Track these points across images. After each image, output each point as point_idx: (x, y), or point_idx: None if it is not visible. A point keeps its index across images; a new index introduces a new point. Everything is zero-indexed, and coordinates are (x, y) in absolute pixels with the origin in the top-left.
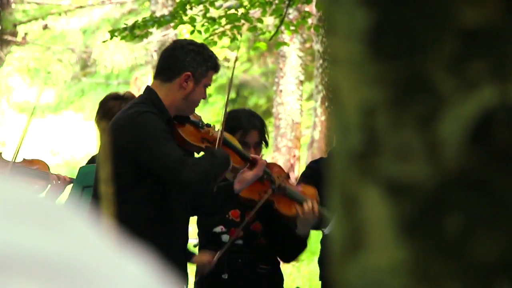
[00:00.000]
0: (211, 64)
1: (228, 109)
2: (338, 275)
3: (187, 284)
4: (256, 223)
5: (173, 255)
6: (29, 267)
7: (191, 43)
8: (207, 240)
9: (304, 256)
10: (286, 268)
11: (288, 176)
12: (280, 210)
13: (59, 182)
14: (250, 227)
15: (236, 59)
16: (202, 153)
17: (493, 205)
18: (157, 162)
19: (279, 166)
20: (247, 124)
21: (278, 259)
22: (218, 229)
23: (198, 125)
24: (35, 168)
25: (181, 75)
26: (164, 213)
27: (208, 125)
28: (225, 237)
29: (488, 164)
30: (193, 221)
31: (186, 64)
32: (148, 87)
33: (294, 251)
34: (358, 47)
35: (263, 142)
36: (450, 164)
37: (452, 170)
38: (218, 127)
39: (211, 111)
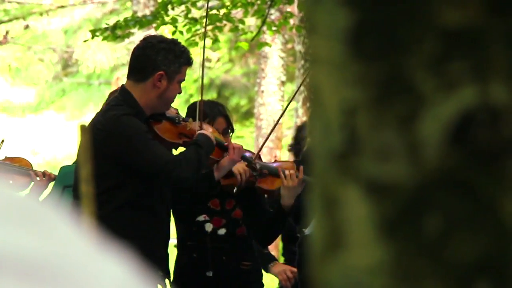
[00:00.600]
0: (184, 59)
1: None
2: (318, 274)
3: (169, 281)
4: (237, 210)
5: (156, 254)
6: (7, 266)
7: (162, 40)
8: (190, 229)
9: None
10: None
11: (259, 157)
12: (262, 187)
13: (43, 178)
14: (231, 215)
15: (204, 47)
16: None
17: (473, 205)
18: (146, 165)
19: (248, 150)
20: (212, 112)
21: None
22: (201, 217)
23: (175, 120)
24: (17, 165)
25: (154, 75)
26: (147, 214)
27: (185, 119)
28: (208, 226)
29: (468, 164)
30: (172, 221)
31: (158, 63)
32: (122, 87)
33: (270, 232)
34: (339, 47)
35: (230, 128)
36: (430, 164)
37: (432, 170)
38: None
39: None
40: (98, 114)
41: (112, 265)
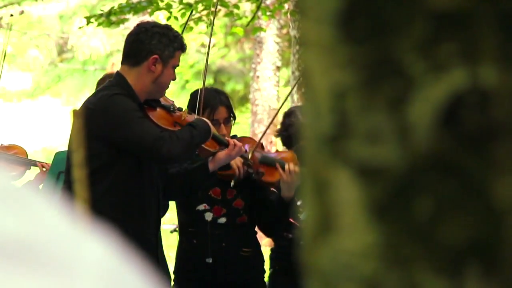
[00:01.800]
0: (177, 44)
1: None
2: (308, 258)
3: (168, 273)
4: (238, 199)
5: (145, 238)
6: None
7: (155, 25)
8: (190, 218)
9: None
10: (267, 252)
11: (262, 146)
12: (264, 180)
13: (44, 169)
14: (232, 204)
15: (209, 47)
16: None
17: (463, 188)
18: (136, 142)
19: (251, 138)
20: (214, 101)
21: (261, 234)
22: (202, 207)
23: (169, 109)
24: (12, 153)
25: (148, 59)
26: (135, 197)
27: (179, 109)
28: (208, 215)
29: (458, 147)
30: (171, 207)
31: (152, 47)
32: (117, 72)
33: (272, 221)
34: (329, 30)
35: (231, 117)
36: (420, 147)
37: (422, 153)
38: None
39: (188, 97)
40: (91, 95)
41: (94, 247)
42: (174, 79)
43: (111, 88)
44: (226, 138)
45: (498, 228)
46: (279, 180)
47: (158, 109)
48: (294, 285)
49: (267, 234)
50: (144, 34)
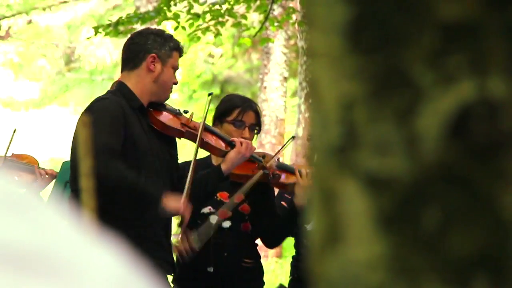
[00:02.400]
0: (173, 44)
1: (211, 106)
2: (317, 268)
3: (173, 269)
4: (245, 204)
5: (155, 240)
6: None
7: (149, 29)
8: (194, 220)
9: (288, 253)
10: (269, 265)
11: (278, 159)
12: (250, 174)
13: (46, 176)
14: (238, 208)
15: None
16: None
17: (471, 199)
18: (93, 141)
19: (267, 153)
20: (244, 104)
21: (263, 244)
22: (207, 209)
23: (176, 111)
24: (24, 162)
25: (146, 59)
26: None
27: (186, 111)
28: (213, 218)
29: (466, 159)
30: None
31: (149, 46)
32: (118, 80)
33: (280, 232)
34: (337, 40)
35: (257, 128)
36: (428, 158)
37: (430, 164)
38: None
39: (196, 107)
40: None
41: (107, 256)
42: (175, 82)
43: (105, 95)
44: (233, 138)
45: (506, 240)
46: (293, 183)
47: (164, 112)
48: None
49: (270, 244)
50: (138, 37)
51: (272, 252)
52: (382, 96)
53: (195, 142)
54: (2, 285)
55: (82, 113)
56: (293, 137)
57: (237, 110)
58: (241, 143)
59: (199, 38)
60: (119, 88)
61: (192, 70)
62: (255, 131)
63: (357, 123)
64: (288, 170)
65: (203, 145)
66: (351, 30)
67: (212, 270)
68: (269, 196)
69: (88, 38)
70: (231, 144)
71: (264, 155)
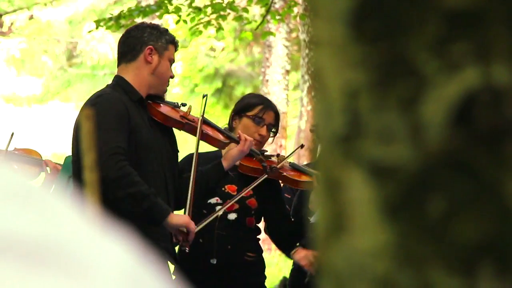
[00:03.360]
0: (169, 37)
1: (213, 100)
2: (322, 258)
3: (175, 260)
4: (253, 199)
5: (157, 231)
6: (7, 248)
7: (143, 23)
8: (199, 211)
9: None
10: (273, 258)
11: (282, 160)
12: (249, 165)
13: (54, 169)
14: (245, 201)
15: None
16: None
17: (476, 187)
18: (98, 144)
19: (275, 154)
20: (267, 103)
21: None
22: (214, 200)
23: (174, 104)
24: (27, 155)
25: (144, 50)
26: None
27: (184, 104)
28: (232, 215)
29: (471, 146)
30: None
31: (145, 39)
32: (115, 75)
33: (293, 239)
34: (341, 29)
35: (274, 129)
36: (433, 146)
37: (435, 152)
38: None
39: (197, 101)
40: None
41: (116, 248)
42: (172, 76)
43: (105, 89)
44: (238, 134)
45: (511, 226)
46: (303, 182)
47: (163, 104)
48: (314, 284)
49: (283, 247)
50: (134, 31)
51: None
52: (386, 85)
53: (194, 135)
54: (8, 276)
55: (83, 107)
56: (301, 146)
57: (259, 107)
58: (245, 140)
59: (200, 32)
60: (118, 82)
61: (194, 64)
62: (272, 132)
63: (362, 111)
64: (305, 172)
65: (203, 136)
66: (355, 18)
67: (215, 262)
68: (277, 192)
69: (89, 32)
70: (233, 140)
71: (278, 154)
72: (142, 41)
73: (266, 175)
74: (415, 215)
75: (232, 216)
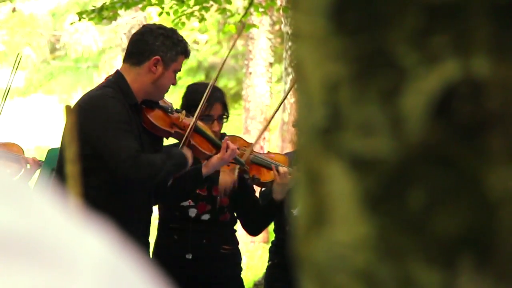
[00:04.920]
0: (181, 49)
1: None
2: (302, 250)
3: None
4: (225, 198)
5: (134, 239)
6: None
7: (161, 27)
8: (173, 214)
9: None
10: (256, 250)
11: (252, 146)
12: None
13: (31, 164)
14: (217, 201)
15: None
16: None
17: (456, 179)
18: (109, 152)
19: (242, 139)
20: (210, 97)
21: (245, 231)
22: (186, 202)
23: (168, 110)
24: (8, 151)
25: (150, 59)
26: (122, 199)
27: (178, 111)
28: (192, 211)
29: (451, 139)
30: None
31: (156, 48)
32: (117, 70)
33: (261, 223)
34: (321, 21)
35: (225, 115)
36: (413, 138)
37: (415, 144)
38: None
39: (180, 94)
40: (86, 93)
41: (97, 242)
42: (174, 84)
43: (106, 89)
44: (220, 142)
45: (491, 219)
46: (269, 181)
47: (156, 110)
48: (291, 279)
49: (252, 234)
50: (148, 34)
51: (259, 237)
52: (366, 77)
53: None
54: None
55: (78, 104)
56: (268, 123)
57: (204, 105)
58: (227, 148)
59: (183, 24)
60: (117, 81)
61: None
62: (223, 119)
63: (342, 104)
64: (265, 166)
65: (189, 147)
66: (334, 11)
67: (190, 257)
68: (247, 187)
69: (71, 24)
70: (216, 145)
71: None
72: (151, 49)
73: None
74: (395, 208)
75: (205, 217)
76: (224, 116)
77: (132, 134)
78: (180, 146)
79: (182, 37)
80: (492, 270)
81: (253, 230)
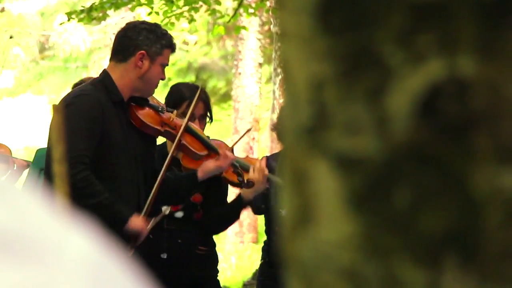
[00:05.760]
0: (166, 42)
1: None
2: (288, 249)
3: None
4: (197, 195)
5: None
6: None
7: (144, 22)
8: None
9: (263, 238)
10: (245, 250)
11: (232, 150)
12: (226, 177)
13: (21, 166)
14: (190, 199)
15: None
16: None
17: (442, 179)
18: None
19: (221, 141)
20: (192, 95)
21: (245, 230)
22: (165, 206)
23: (158, 109)
24: None
25: (135, 54)
26: (111, 184)
27: (169, 110)
28: (166, 208)
29: (436, 138)
30: None
31: (139, 42)
32: (104, 69)
33: (224, 222)
34: (307, 21)
35: (208, 116)
36: (399, 137)
37: (401, 143)
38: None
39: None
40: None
41: (82, 240)
42: (163, 78)
43: (86, 86)
44: (220, 150)
45: (476, 218)
46: (241, 181)
47: (145, 108)
48: (281, 277)
49: (211, 231)
50: (131, 30)
51: (248, 237)
52: (352, 76)
53: (172, 142)
54: None
55: (60, 102)
56: (249, 130)
57: (185, 103)
58: (226, 157)
59: (173, 24)
60: (103, 80)
61: None
62: (206, 119)
63: (328, 103)
64: (244, 167)
65: (180, 147)
66: (320, 10)
67: (165, 257)
68: (220, 186)
69: (61, 24)
70: (214, 151)
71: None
72: (135, 44)
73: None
74: (381, 207)
75: (179, 214)
76: (208, 116)
77: (90, 139)
78: (173, 146)
79: (166, 30)
80: (477, 269)
81: (213, 227)
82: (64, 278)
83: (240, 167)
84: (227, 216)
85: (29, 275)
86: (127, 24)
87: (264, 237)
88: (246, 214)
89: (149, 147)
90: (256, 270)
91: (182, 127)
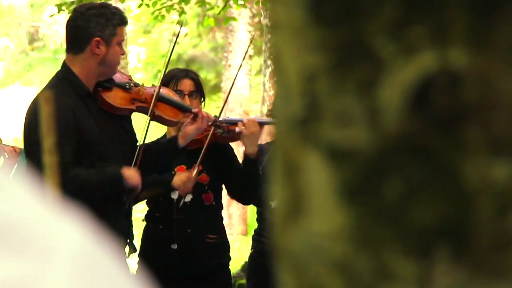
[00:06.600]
0: (117, 21)
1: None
2: (279, 241)
3: (132, 248)
4: (203, 174)
5: (113, 223)
6: None
7: (91, 7)
8: (157, 200)
9: (253, 230)
10: (234, 242)
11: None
12: (212, 139)
13: (14, 153)
14: (197, 179)
15: (181, 25)
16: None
17: (433, 170)
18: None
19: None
20: (180, 73)
21: (234, 222)
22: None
23: (125, 86)
24: None
25: (91, 43)
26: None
27: (136, 85)
28: (174, 193)
29: (428, 130)
30: None
31: (92, 30)
32: (63, 63)
33: (249, 188)
34: (299, 12)
35: (200, 96)
36: (390, 129)
37: (392, 135)
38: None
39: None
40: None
41: (73, 230)
42: (123, 53)
43: (58, 85)
44: (195, 109)
45: (468, 210)
46: (239, 133)
47: (114, 89)
48: (271, 267)
49: (242, 200)
50: (80, 19)
51: (237, 229)
52: (344, 68)
53: (146, 115)
54: None
55: (40, 94)
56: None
57: (173, 81)
58: (202, 118)
59: (163, 17)
60: (65, 75)
61: (157, 50)
62: (200, 99)
63: (319, 95)
64: (232, 122)
65: (155, 118)
66: (312, 2)
67: (176, 247)
68: (228, 152)
69: (51, 16)
70: (189, 111)
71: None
72: (88, 33)
73: (216, 140)
74: (372, 198)
75: (187, 198)
76: (200, 97)
77: (68, 142)
78: (148, 119)
79: (115, 8)
80: (468, 261)
81: (242, 196)
82: (56, 270)
83: (226, 123)
84: (245, 178)
85: (20, 267)
86: (73, 12)
87: (254, 228)
88: (236, 206)
89: (128, 127)
90: (245, 262)
91: (154, 98)
